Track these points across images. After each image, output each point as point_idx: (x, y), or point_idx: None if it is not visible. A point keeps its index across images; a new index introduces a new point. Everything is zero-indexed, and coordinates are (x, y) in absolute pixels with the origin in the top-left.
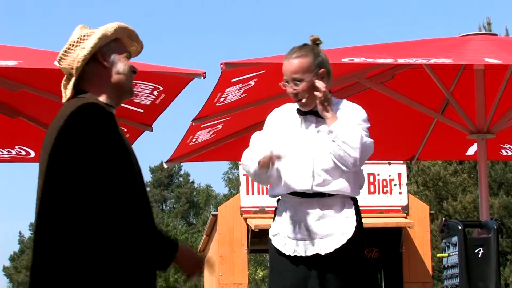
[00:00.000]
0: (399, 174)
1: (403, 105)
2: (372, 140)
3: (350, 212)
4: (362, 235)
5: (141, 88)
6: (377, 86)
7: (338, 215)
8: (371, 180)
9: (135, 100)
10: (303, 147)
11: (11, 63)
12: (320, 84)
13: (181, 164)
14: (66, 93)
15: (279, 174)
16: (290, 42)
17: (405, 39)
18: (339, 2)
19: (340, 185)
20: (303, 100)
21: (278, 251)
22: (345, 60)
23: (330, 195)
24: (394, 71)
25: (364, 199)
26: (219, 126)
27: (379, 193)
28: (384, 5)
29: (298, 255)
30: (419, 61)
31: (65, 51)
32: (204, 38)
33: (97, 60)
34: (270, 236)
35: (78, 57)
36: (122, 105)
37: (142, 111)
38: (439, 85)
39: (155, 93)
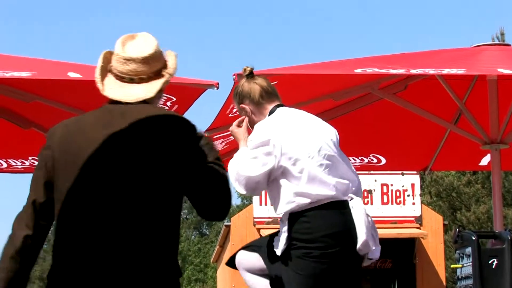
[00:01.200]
0: (413, 185)
1: (416, 116)
2: (227, 171)
3: (281, 234)
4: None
5: None
6: (390, 97)
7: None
8: (384, 190)
9: None
10: None
11: (24, 74)
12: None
13: None
14: (147, 94)
15: None
16: (303, 53)
17: (418, 49)
18: (352, 12)
19: (278, 211)
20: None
21: None
22: (358, 70)
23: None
24: (407, 81)
25: (377, 209)
26: (232, 137)
27: (392, 203)
28: (397, 16)
29: None
30: (432, 71)
31: (160, 53)
32: (217, 49)
33: None
34: None
35: (172, 69)
36: None
37: None
38: (452, 95)
39: (168, 104)
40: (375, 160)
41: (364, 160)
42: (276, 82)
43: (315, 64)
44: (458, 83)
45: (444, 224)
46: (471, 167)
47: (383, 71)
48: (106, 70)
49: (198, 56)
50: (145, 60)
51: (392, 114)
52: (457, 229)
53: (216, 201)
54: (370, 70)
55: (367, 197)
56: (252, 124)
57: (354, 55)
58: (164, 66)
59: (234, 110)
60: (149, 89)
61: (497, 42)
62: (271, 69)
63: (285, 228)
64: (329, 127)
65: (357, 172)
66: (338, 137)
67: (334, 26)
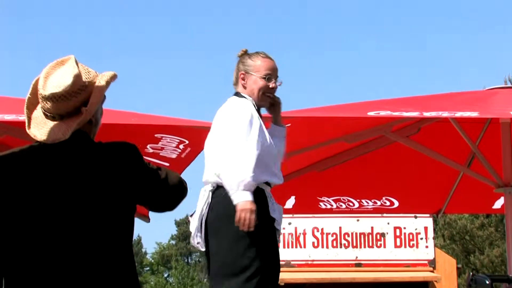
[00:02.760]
0: (426, 228)
1: (429, 159)
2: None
3: None
4: None
5: (167, 142)
6: (403, 140)
7: None
8: (397, 233)
9: (161, 154)
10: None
11: None
12: None
13: None
14: (63, 135)
15: (267, 163)
16: (314, 97)
17: (431, 92)
18: (365, 55)
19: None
20: (270, 97)
21: (274, 236)
22: (371, 113)
23: None
24: (420, 124)
25: (390, 252)
26: None
27: (405, 246)
28: (409, 59)
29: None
30: (445, 114)
31: (82, 87)
32: (229, 91)
33: None
34: (271, 214)
35: (93, 105)
36: (147, 158)
37: (168, 164)
38: (465, 138)
39: (181, 146)
40: (388, 203)
41: (377, 203)
42: (289, 124)
43: (328, 107)
44: (471, 126)
45: (457, 268)
46: (485, 210)
47: (396, 114)
48: (36, 100)
49: (210, 99)
50: (61, 98)
51: (405, 156)
52: (471, 273)
53: (170, 202)
54: (383, 113)
55: (380, 240)
56: None
57: (367, 98)
58: (87, 98)
59: None
60: (64, 130)
61: (509, 85)
62: (284, 112)
63: None
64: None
65: (370, 214)
66: (218, 122)
67: (348, 68)
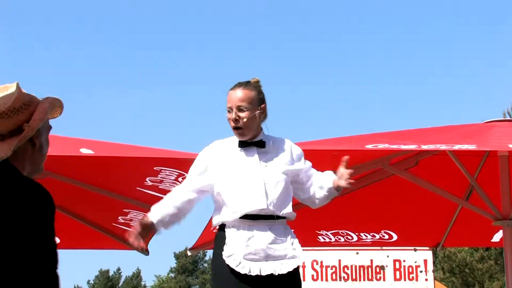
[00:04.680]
0: (425, 261)
1: (428, 192)
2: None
3: (294, 237)
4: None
5: (166, 175)
6: (401, 173)
7: (285, 238)
8: (397, 266)
9: (159, 187)
10: (251, 174)
11: None
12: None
13: (206, 250)
14: (5, 149)
15: (226, 201)
16: (309, 130)
17: (429, 125)
18: (362, 88)
19: (288, 210)
20: (243, 127)
21: (232, 270)
22: (369, 146)
23: (278, 217)
24: (418, 157)
25: (390, 285)
26: None
27: (405, 279)
28: (408, 92)
29: (253, 274)
30: (443, 147)
31: (24, 105)
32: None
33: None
34: (224, 257)
35: (35, 121)
36: (146, 191)
37: None
38: (463, 171)
39: (180, 179)
40: (386, 236)
41: (375, 236)
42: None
43: (325, 140)
44: (469, 159)
45: None
46: (483, 244)
47: (394, 147)
48: None
49: (209, 131)
50: (1, 115)
51: (403, 190)
52: None
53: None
54: (381, 146)
55: (379, 273)
56: (251, 124)
57: (365, 131)
58: (30, 118)
59: None
60: (6, 149)
61: (508, 118)
62: None
63: (295, 236)
64: None
65: (369, 248)
66: None
67: (344, 102)
